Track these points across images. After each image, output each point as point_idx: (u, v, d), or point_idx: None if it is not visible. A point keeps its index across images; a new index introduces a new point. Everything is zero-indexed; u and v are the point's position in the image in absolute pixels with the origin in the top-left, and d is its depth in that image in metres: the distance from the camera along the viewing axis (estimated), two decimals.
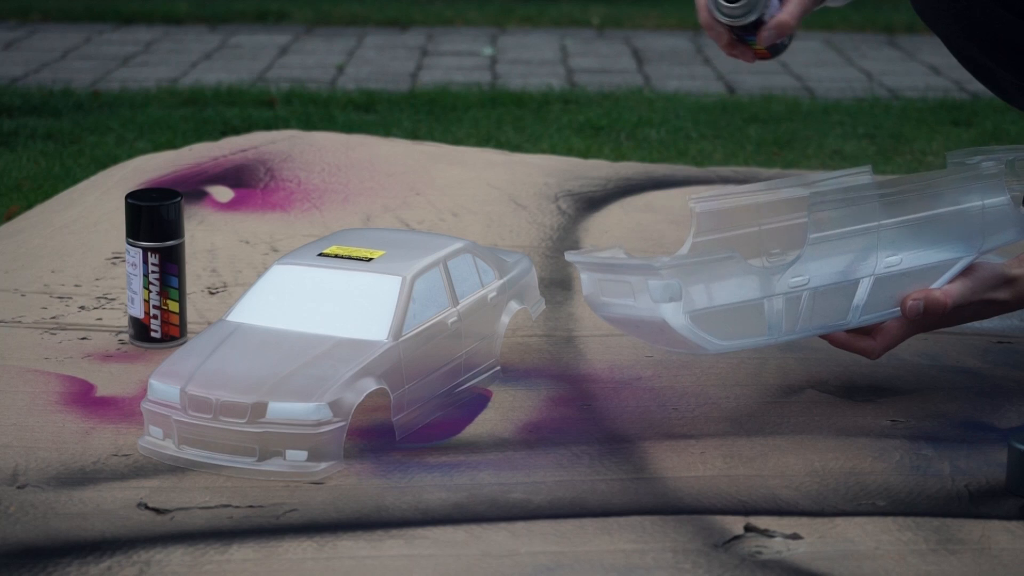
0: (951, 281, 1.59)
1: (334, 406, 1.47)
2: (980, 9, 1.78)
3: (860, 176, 1.69)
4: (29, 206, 2.68)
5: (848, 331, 1.61)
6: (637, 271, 1.51)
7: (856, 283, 1.56)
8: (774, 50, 1.75)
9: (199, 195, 2.34)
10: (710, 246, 1.69)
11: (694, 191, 2.45)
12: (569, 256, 1.58)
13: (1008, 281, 1.61)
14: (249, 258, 2.10)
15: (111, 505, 1.40)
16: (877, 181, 1.62)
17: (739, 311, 1.52)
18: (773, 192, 1.71)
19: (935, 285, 1.59)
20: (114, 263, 2.06)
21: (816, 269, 1.55)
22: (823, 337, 1.62)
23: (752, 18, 1.70)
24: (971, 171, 1.62)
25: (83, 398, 1.64)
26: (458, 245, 1.69)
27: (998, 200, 1.61)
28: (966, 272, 1.60)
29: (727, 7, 1.70)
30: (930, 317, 1.59)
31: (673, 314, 1.49)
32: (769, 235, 1.72)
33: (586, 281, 1.58)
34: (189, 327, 1.82)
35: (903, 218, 1.58)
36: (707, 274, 1.51)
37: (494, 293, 1.71)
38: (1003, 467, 1.48)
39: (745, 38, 1.73)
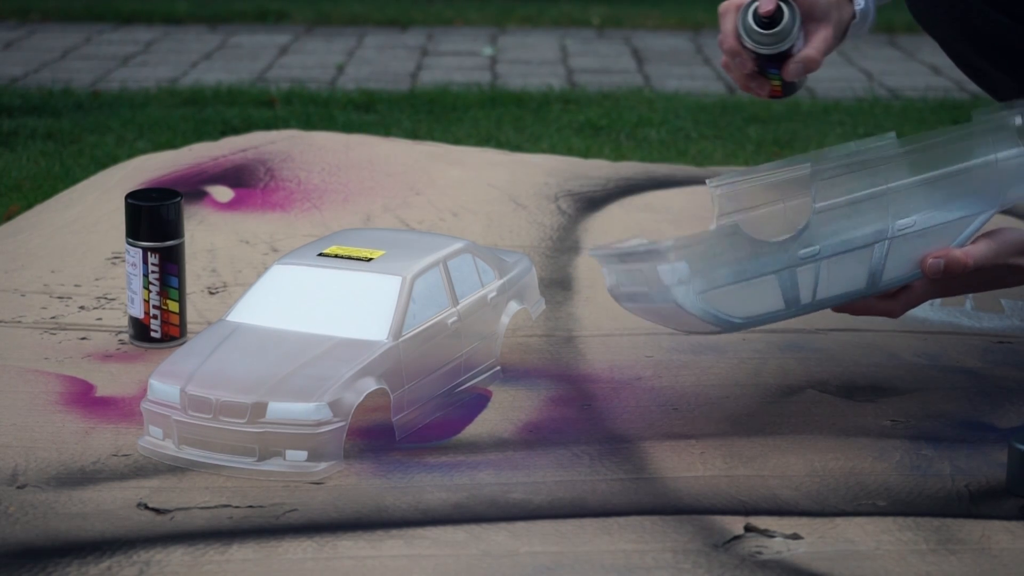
0: (974, 242, 1.56)
1: (334, 406, 1.47)
2: (976, 12, 1.78)
3: (882, 144, 1.62)
4: (29, 206, 2.68)
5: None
6: (646, 257, 1.50)
7: (871, 248, 1.53)
8: (788, 88, 1.71)
9: (199, 195, 2.34)
10: (732, 226, 1.65)
11: (694, 191, 2.46)
12: (591, 252, 1.57)
13: None
14: (249, 258, 2.10)
15: (111, 505, 1.40)
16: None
17: (753, 286, 1.50)
18: (792, 170, 1.65)
19: (955, 243, 1.55)
20: (114, 263, 2.06)
21: (826, 237, 1.52)
22: (844, 308, 1.58)
23: (784, 47, 1.65)
24: (978, 125, 1.57)
25: (83, 398, 1.64)
26: (458, 245, 1.69)
27: (1011, 152, 1.57)
28: (990, 234, 1.56)
29: (761, 35, 1.65)
30: (951, 276, 1.55)
31: (684, 296, 1.48)
32: (795, 210, 1.66)
33: (607, 274, 1.57)
34: (189, 327, 1.82)
35: (912, 179, 1.54)
36: (713, 252, 1.49)
37: (494, 293, 1.71)
38: (1003, 467, 1.48)
39: (768, 70, 1.69)
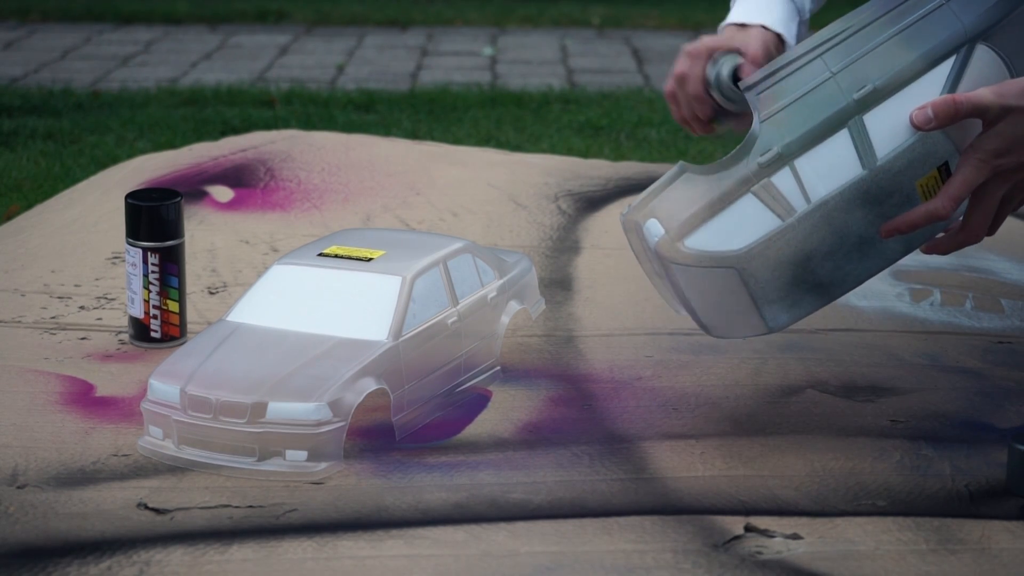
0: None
1: (334, 406, 1.47)
2: None
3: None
4: (29, 206, 2.69)
5: (906, 214, 1.45)
6: (631, 236, 1.50)
7: (844, 131, 1.43)
8: (720, 129, 1.75)
9: (199, 195, 2.34)
10: (680, 167, 1.51)
11: None
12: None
13: None
14: (249, 258, 2.10)
15: (111, 505, 1.40)
16: (815, 35, 1.49)
17: (734, 212, 1.43)
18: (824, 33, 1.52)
19: (943, 92, 1.44)
20: (114, 263, 2.06)
21: (782, 137, 1.43)
22: (890, 229, 1.46)
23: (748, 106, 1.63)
24: None
25: (83, 398, 1.64)
26: (458, 245, 1.69)
27: None
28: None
29: (736, 93, 1.65)
30: (948, 122, 1.42)
31: (670, 249, 1.44)
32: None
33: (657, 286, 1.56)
34: (189, 327, 1.82)
35: (857, 53, 1.45)
36: (671, 198, 1.44)
37: (494, 293, 1.71)
38: (1003, 467, 1.48)
39: (719, 117, 1.71)
